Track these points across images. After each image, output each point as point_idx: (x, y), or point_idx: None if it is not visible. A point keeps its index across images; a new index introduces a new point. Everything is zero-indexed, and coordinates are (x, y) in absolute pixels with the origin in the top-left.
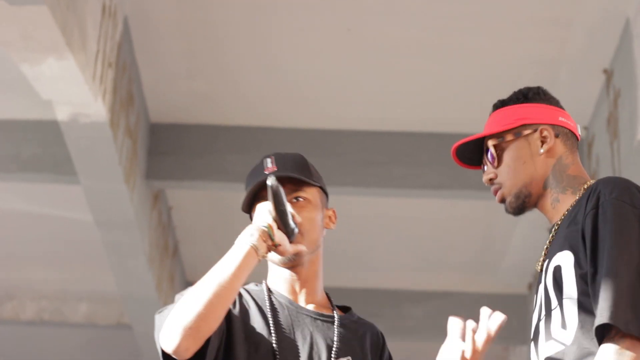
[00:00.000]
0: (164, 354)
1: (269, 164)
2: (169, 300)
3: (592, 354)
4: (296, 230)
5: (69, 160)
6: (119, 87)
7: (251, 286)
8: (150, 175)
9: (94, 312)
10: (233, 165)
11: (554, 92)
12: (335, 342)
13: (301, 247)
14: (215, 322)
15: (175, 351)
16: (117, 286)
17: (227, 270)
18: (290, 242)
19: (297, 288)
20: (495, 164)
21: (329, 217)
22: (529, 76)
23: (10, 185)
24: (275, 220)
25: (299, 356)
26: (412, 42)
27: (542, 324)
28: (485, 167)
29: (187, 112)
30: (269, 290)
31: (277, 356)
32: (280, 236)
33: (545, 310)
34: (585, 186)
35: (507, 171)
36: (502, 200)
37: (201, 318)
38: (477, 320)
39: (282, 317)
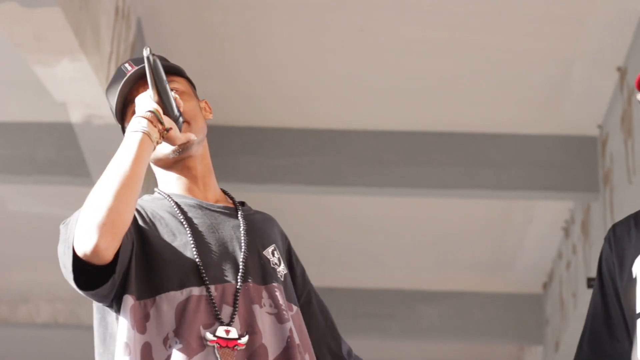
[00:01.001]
0: (77, 265)
1: (128, 67)
2: None
3: None
4: (181, 118)
5: (83, 162)
6: None
7: (145, 197)
8: None
9: None
10: (244, 165)
11: (567, 90)
12: (253, 229)
13: (191, 135)
14: (129, 213)
15: (94, 252)
16: None
17: (126, 160)
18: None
19: (196, 186)
20: None
21: (205, 108)
22: (543, 74)
23: (24, 188)
24: (160, 105)
25: (218, 252)
26: (424, 40)
27: None
28: None
29: None
30: (169, 196)
31: (195, 252)
32: (168, 121)
33: None
34: None
35: None
36: None
37: (113, 211)
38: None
39: (194, 216)
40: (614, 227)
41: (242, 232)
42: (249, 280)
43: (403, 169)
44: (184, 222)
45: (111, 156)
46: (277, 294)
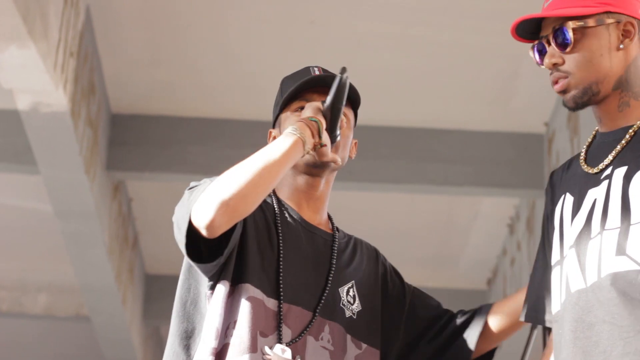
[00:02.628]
0: (190, 231)
1: (316, 71)
2: (128, 292)
3: None
4: (339, 138)
5: (29, 150)
6: (80, 76)
7: None
8: (111, 166)
9: (53, 303)
10: (195, 156)
11: (514, 87)
12: (340, 264)
13: (337, 157)
14: (254, 204)
15: (209, 225)
16: (76, 277)
17: (272, 155)
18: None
19: (309, 204)
20: (568, 49)
21: (353, 148)
22: (491, 69)
23: None
24: (326, 120)
25: (302, 275)
26: (374, 35)
27: (609, 235)
28: (547, 48)
29: (149, 102)
30: (280, 203)
31: (281, 272)
32: (326, 137)
33: (620, 221)
34: None
35: (581, 61)
36: (563, 91)
37: (241, 196)
38: None
39: (291, 232)
40: (551, 174)
41: (334, 265)
42: (331, 319)
43: (350, 163)
44: (280, 236)
45: (57, 144)
46: (339, 332)
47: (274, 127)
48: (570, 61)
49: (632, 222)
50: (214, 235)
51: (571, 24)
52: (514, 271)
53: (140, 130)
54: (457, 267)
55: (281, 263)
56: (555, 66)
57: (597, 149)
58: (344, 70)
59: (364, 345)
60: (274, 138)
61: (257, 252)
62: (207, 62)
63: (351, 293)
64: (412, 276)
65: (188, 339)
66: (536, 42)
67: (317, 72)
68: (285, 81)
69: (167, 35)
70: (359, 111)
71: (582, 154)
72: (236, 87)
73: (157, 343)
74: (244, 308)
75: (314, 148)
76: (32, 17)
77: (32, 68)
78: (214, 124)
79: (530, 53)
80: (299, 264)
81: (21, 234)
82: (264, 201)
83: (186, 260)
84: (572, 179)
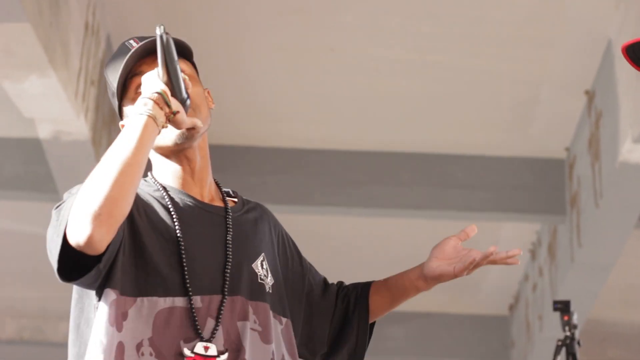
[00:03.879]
0: (64, 251)
1: (133, 43)
2: None
3: None
4: (189, 101)
5: (50, 178)
6: (101, 104)
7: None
8: None
9: None
10: None
11: (535, 112)
12: (242, 238)
13: (197, 121)
14: (127, 204)
15: (88, 243)
16: None
17: (128, 145)
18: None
19: (192, 180)
20: None
21: (207, 97)
22: (511, 96)
23: None
24: (167, 86)
25: (207, 260)
26: (394, 61)
27: None
28: None
29: None
30: (163, 187)
31: (183, 259)
32: (175, 104)
33: None
34: None
35: None
36: None
37: (111, 201)
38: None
39: (188, 218)
40: None
41: (229, 241)
42: (238, 294)
43: (371, 189)
44: (177, 224)
45: (79, 172)
46: (264, 311)
47: (122, 118)
48: None
49: None
50: (98, 250)
51: None
52: (536, 297)
53: None
54: (479, 293)
55: (183, 256)
56: None
57: None
58: (160, 27)
59: (284, 319)
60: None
61: (151, 257)
62: (226, 90)
63: (264, 266)
64: (434, 302)
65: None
66: None
67: (134, 44)
68: (108, 67)
69: None
70: (382, 136)
71: None
72: (254, 115)
73: None
74: (155, 323)
75: (168, 119)
76: (52, 46)
77: (53, 97)
78: (233, 151)
79: None
80: (202, 251)
81: (42, 262)
82: (151, 188)
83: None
84: None
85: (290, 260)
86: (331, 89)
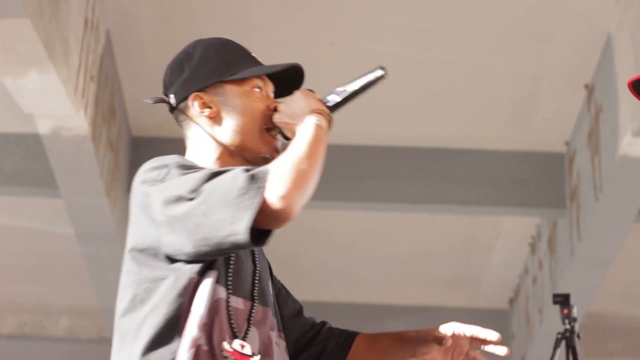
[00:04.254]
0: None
1: (257, 58)
2: None
3: None
4: None
5: (50, 173)
6: (101, 100)
7: None
8: None
9: (75, 326)
10: None
11: (535, 106)
12: (258, 266)
13: None
14: (310, 194)
15: (287, 216)
16: (98, 300)
17: (318, 147)
18: None
19: None
20: None
21: None
22: (511, 90)
23: None
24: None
25: (244, 267)
26: (394, 56)
27: None
28: None
29: (170, 125)
30: None
31: (231, 260)
32: None
33: None
34: None
35: None
36: None
37: (311, 188)
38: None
39: None
40: None
41: (256, 253)
42: (267, 307)
43: (371, 183)
44: None
45: (79, 168)
46: (279, 327)
47: (201, 90)
48: None
49: None
50: (282, 225)
51: None
52: (536, 290)
53: (161, 153)
54: (479, 287)
55: (231, 258)
56: None
57: None
58: (384, 68)
59: (282, 335)
60: (206, 106)
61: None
62: None
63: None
64: (434, 296)
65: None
66: None
67: (253, 54)
68: (224, 50)
69: None
70: (382, 131)
71: None
72: None
73: None
74: (222, 307)
75: None
76: (52, 42)
77: (52, 92)
78: None
79: None
80: (241, 258)
81: (42, 257)
82: None
83: (146, 246)
84: None
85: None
86: (330, 84)
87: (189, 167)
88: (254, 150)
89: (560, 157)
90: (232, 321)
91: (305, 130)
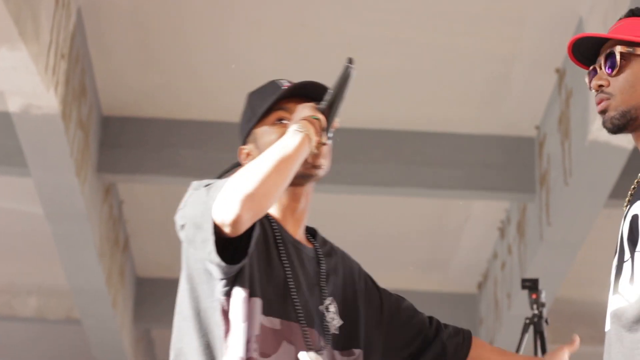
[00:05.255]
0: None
1: (285, 83)
2: (118, 294)
3: None
4: (331, 141)
5: (19, 152)
6: (71, 78)
7: None
8: (102, 168)
9: (44, 305)
10: (186, 159)
11: (506, 90)
12: (322, 281)
13: (326, 164)
14: (273, 202)
15: (235, 221)
16: (67, 280)
17: (285, 153)
18: None
19: (293, 218)
20: (614, 72)
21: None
22: (483, 72)
23: None
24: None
25: (305, 293)
26: (366, 38)
27: (613, 276)
28: (597, 71)
29: (141, 105)
30: (268, 219)
31: (293, 293)
32: (325, 136)
33: (618, 261)
34: None
35: (624, 85)
36: (603, 112)
37: (264, 193)
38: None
39: (287, 250)
40: None
41: (324, 287)
42: (329, 340)
43: (341, 165)
44: (282, 254)
45: (48, 146)
46: (328, 351)
47: (244, 143)
48: (615, 84)
49: (624, 259)
50: (238, 232)
51: (619, 48)
52: (505, 275)
53: (131, 133)
54: (448, 271)
55: (291, 282)
56: (600, 88)
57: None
58: (351, 60)
59: (357, 351)
60: (248, 155)
61: (260, 265)
62: (200, 64)
63: (332, 309)
64: (403, 280)
65: (211, 350)
66: (591, 67)
67: (286, 84)
68: (255, 96)
69: (159, 37)
70: (353, 113)
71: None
72: (229, 89)
73: (148, 345)
74: (261, 325)
75: (317, 147)
76: (23, 18)
77: (23, 70)
78: (206, 126)
79: (586, 78)
80: (302, 285)
81: (11, 236)
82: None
83: (190, 267)
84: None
85: (369, 299)
86: (302, 65)
87: None
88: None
89: (531, 141)
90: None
91: (279, 141)
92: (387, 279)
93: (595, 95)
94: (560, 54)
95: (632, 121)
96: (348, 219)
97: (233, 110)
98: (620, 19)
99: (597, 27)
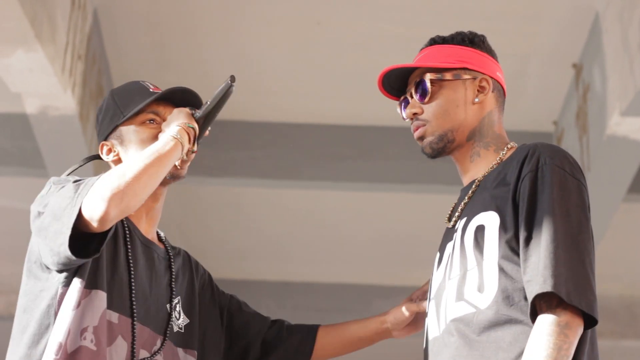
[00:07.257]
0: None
1: (151, 86)
2: None
3: (511, 320)
4: (196, 149)
5: (37, 153)
6: (88, 79)
7: None
8: None
9: None
10: (202, 158)
11: (523, 86)
12: (173, 281)
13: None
14: (141, 202)
15: (103, 217)
16: None
17: (156, 156)
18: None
19: (147, 217)
20: (426, 99)
21: None
22: None
23: None
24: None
25: (147, 294)
26: (381, 35)
27: (452, 283)
28: (410, 100)
29: None
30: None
31: (133, 290)
32: (196, 146)
33: (459, 269)
34: (509, 146)
35: (438, 110)
36: (421, 138)
37: (132, 192)
38: None
39: (134, 247)
40: None
41: (174, 288)
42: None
43: (359, 163)
44: (130, 250)
45: (66, 147)
46: (168, 348)
47: (106, 139)
48: (429, 110)
49: (468, 268)
50: (104, 227)
51: (429, 76)
52: None
53: None
54: None
55: (132, 280)
56: (415, 115)
57: (457, 204)
58: (233, 78)
59: (195, 352)
60: (110, 151)
61: (107, 261)
62: (214, 64)
63: (178, 308)
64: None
65: (39, 336)
66: (402, 98)
67: (151, 87)
68: (121, 95)
69: (174, 37)
70: (370, 110)
71: (449, 210)
72: (244, 88)
73: None
74: (100, 316)
75: (187, 154)
76: (39, 20)
77: (40, 72)
78: (221, 125)
79: (397, 109)
80: (144, 283)
81: (29, 237)
82: None
83: (32, 255)
84: (443, 236)
85: (206, 294)
86: (318, 63)
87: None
88: None
89: (549, 136)
90: (134, 345)
91: (154, 144)
92: (406, 277)
93: (411, 124)
94: (577, 49)
95: (450, 143)
96: (367, 216)
97: (246, 108)
98: (422, 49)
99: (613, 23)
